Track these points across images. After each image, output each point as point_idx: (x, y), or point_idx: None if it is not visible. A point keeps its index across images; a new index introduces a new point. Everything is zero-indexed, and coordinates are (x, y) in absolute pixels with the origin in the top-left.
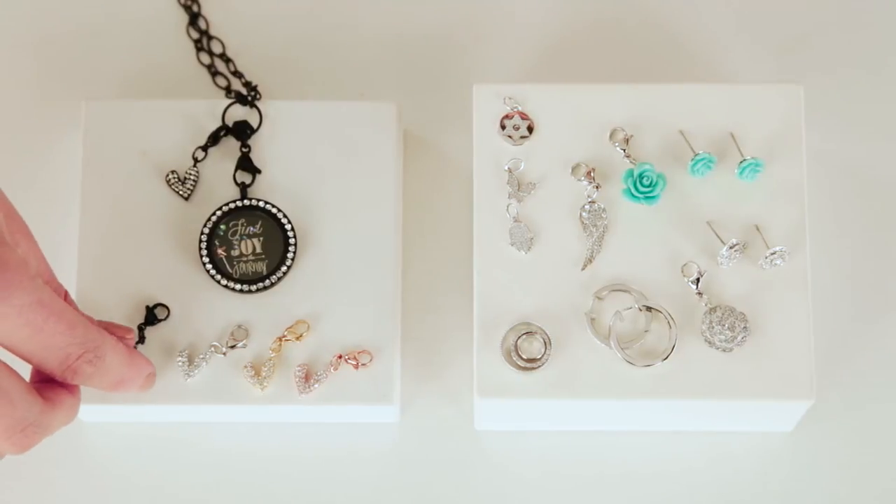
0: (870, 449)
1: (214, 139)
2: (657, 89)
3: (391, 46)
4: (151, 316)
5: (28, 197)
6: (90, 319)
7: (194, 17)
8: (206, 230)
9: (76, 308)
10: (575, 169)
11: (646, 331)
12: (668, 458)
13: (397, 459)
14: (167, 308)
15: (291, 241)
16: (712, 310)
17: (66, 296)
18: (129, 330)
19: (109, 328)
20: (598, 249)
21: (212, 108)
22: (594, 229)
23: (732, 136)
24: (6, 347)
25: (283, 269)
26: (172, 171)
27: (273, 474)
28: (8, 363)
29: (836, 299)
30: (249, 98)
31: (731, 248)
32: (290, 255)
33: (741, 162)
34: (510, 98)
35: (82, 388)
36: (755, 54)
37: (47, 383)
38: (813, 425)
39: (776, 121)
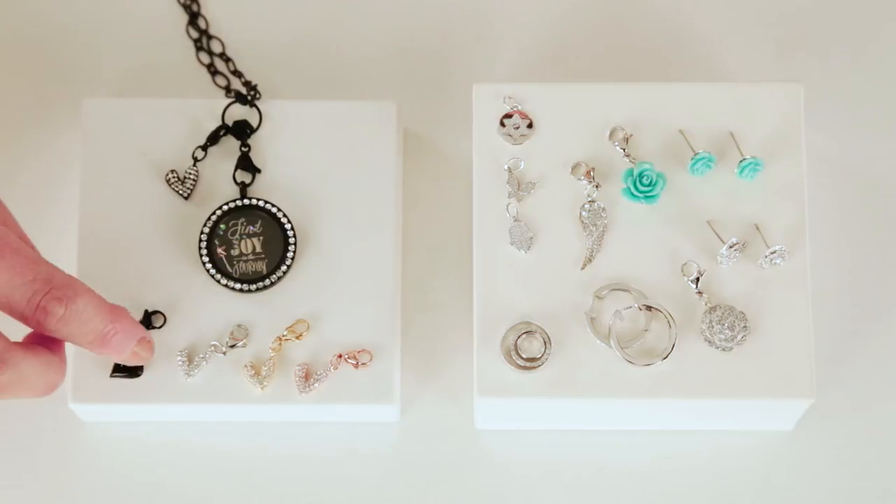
0: (870, 448)
1: (214, 138)
2: (657, 88)
3: (391, 45)
4: (147, 322)
5: (27, 195)
6: None
7: (194, 17)
8: (206, 229)
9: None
10: (575, 168)
11: (645, 330)
12: (669, 457)
13: (397, 459)
14: (164, 316)
15: (291, 240)
16: (712, 309)
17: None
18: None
19: None
20: (598, 249)
21: (211, 108)
22: (594, 228)
23: (732, 135)
24: None
25: (283, 268)
26: (172, 171)
27: (273, 474)
28: None
29: (836, 298)
30: (249, 97)
31: (730, 247)
32: (289, 254)
33: (741, 161)
34: (510, 97)
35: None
36: (755, 53)
37: (27, 340)
38: (813, 424)
39: (776, 120)
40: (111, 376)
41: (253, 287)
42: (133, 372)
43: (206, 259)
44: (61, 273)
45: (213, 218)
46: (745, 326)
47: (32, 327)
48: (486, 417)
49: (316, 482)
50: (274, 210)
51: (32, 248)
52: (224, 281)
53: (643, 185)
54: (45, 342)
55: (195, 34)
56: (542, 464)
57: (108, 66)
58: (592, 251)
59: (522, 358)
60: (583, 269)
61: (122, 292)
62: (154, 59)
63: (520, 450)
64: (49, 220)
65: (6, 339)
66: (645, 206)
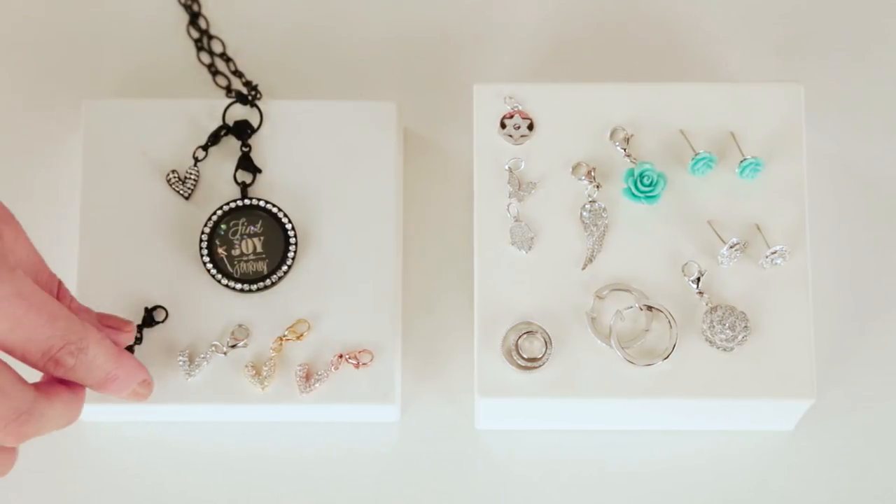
0: (871, 448)
1: (215, 138)
2: (658, 88)
3: (392, 46)
4: (149, 318)
5: (28, 196)
6: (87, 311)
7: (194, 17)
8: (207, 230)
9: (68, 297)
10: (575, 168)
11: (646, 330)
12: (669, 457)
13: (398, 459)
14: (165, 310)
15: (292, 240)
16: (713, 309)
17: (59, 285)
18: (127, 323)
19: (106, 320)
20: (599, 249)
21: (212, 108)
22: (595, 228)
23: (733, 135)
24: None
25: (284, 268)
26: (173, 171)
27: (273, 474)
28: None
29: (837, 298)
30: (250, 97)
31: (731, 247)
32: (290, 254)
33: (741, 161)
34: (510, 97)
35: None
36: (756, 53)
37: (47, 381)
38: (814, 424)
39: (776, 120)
40: None
41: (254, 287)
42: None
43: (206, 259)
44: (77, 324)
45: (214, 218)
46: (745, 326)
47: (41, 372)
48: (487, 417)
49: (316, 482)
50: (275, 210)
51: (48, 273)
52: (225, 281)
53: (644, 185)
54: (63, 381)
55: (196, 34)
56: (542, 464)
57: (108, 66)
58: (593, 251)
59: (523, 358)
60: (583, 269)
61: (123, 292)
62: (154, 59)
63: (520, 450)
64: (49, 221)
65: (33, 390)
66: (646, 206)
